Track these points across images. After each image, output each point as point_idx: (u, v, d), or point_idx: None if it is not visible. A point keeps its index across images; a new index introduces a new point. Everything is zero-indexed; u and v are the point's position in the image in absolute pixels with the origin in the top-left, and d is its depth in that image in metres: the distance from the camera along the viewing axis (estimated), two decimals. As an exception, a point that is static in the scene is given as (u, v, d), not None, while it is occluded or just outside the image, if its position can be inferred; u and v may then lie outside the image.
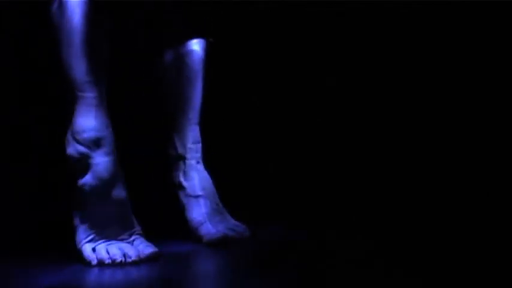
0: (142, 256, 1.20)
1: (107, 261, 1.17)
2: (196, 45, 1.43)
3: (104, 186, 1.15)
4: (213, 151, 1.60)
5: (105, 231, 1.18)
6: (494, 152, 1.75)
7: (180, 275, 1.17)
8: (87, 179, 1.13)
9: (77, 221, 1.16)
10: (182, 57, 1.43)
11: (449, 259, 1.22)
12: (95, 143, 1.14)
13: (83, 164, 1.13)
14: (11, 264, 1.24)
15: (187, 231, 1.42)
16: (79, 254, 1.20)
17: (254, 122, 1.83)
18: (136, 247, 1.21)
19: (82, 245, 1.18)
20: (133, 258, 1.19)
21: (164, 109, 1.45)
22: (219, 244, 1.36)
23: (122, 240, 1.20)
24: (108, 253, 1.18)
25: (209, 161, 1.51)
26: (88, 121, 1.13)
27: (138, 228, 1.23)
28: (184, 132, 1.43)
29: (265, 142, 1.82)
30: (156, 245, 1.25)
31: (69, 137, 1.13)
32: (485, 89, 1.76)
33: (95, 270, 1.16)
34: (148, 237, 1.27)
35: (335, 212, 1.69)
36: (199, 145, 1.45)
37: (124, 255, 1.19)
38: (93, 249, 1.18)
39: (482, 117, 1.76)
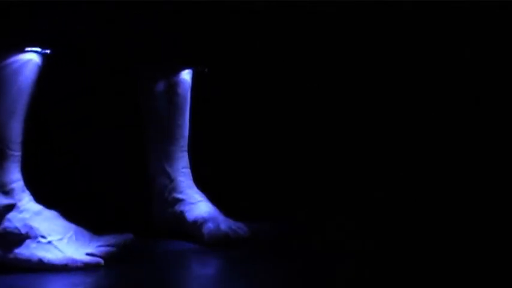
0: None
1: (110, 251, 1.18)
2: (186, 75, 1.46)
3: (41, 212, 1.19)
4: (213, 150, 1.60)
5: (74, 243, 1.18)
6: (494, 152, 1.75)
7: (181, 275, 1.17)
8: (26, 221, 1.16)
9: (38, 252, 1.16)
10: (173, 87, 1.45)
11: (449, 259, 1.22)
12: (22, 190, 1.18)
13: (12, 210, 1.17)
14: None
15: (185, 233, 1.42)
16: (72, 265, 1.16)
17: (254, 120, 1.82)
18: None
19: (72, 257, 1.17)
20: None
21: (152, 138, 1.47)
22: (220, 244, 1.36)
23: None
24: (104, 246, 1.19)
25: (209, 160, 1.51)
26: (15, 174, 1.18)
27: None
28: (176, 159, 1.45)
29: (264, 140, 1.82)
30: (155, 245, 1.25)
31: None
32: (485, 89, 1.76)
33: (90, 273, 1.15)
34: (148, 236, 1.27)
35: (336, 211, 1.69)
36: (189, 171, 1.47)
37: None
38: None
39: (482, 117, 1.76)
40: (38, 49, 1.15)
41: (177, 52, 1.44)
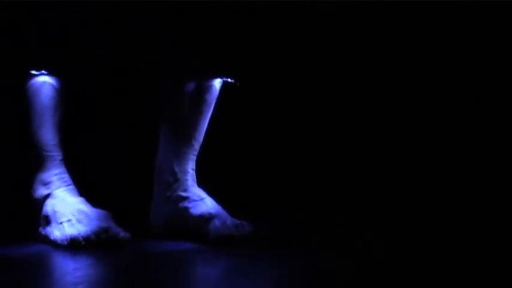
0: None
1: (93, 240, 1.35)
2: (217, 83, 1.48)
3: (66, 198, 1.42)
4: (213, 150, 1.60)
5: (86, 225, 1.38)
6: (494, 152, 1.75)
7: (181, 274, 1.17)
8: (53, 207, 1.41)
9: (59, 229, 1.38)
10: (202, 92, 1.47)
11: (449, 259, 1.22)
12: (61, 181, 1.43)
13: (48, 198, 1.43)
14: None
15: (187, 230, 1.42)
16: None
17: (254, 121, 1.83)
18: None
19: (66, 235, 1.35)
20: None
21: (167, 137, 1.47)
22: (225, 242, 1.35)
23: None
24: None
25: (210, 160, 1.51)
26: (54, 170, 1.43)
27: None
28: (186, 161, 1.46)
29: (264, 141, 1.82)
30: (156, 244, 1.25)
31: (37, 185, 1.43)
32: (485, 89, 1.77)
33: (92, 269, 1.15)
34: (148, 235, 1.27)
35: (336, 211, 1.69)
36: (194, 173, 1.48)
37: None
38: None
39: (482, 117, 1.77)
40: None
41: (214, 61, 1.44)
